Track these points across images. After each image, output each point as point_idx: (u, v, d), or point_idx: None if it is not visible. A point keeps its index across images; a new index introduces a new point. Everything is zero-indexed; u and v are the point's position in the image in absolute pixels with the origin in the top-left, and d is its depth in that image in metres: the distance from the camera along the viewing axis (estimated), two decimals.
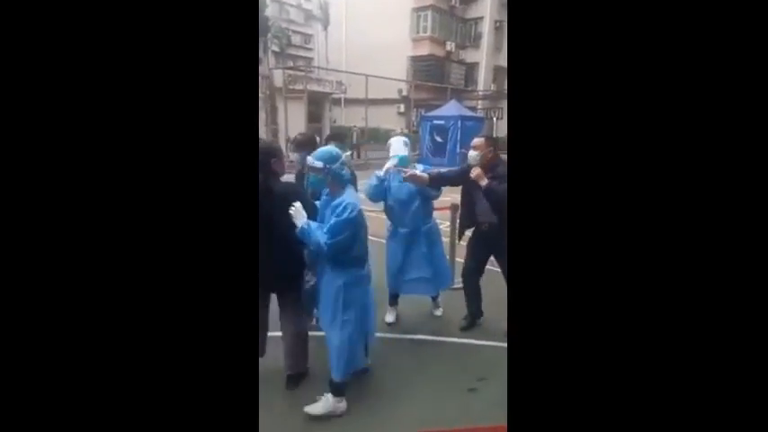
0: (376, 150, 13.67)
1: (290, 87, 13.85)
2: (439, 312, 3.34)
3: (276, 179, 2.22)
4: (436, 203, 3.12)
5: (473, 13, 20.64)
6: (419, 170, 2.84)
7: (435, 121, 14.75)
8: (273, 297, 2.38)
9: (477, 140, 2.80)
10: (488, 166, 2.71)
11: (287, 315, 2.37)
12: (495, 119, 17.71)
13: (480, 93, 20.86)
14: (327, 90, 17.83)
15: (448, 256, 3.45)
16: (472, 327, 3.10)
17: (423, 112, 17.04)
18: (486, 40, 20.53)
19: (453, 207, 3.52)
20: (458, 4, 20.09)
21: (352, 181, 2.07)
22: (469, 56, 21.09)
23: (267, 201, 2.00)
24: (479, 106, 20.47)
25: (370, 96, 14.86)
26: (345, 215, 1.97)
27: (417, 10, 19.49)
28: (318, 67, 17.53)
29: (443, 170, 2.96)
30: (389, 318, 3.22)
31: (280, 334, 2.40)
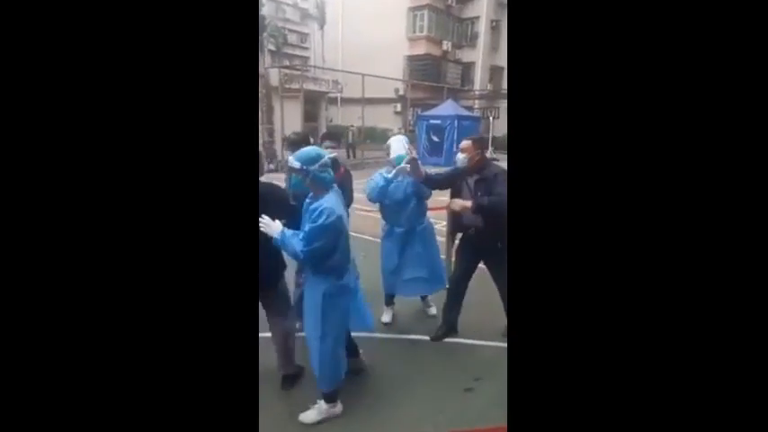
0: (372, 150, 13.67)
1: (287, 86, 13.77)
2: (433, 311, 3.33)
3: None
4: (433, 204, 3.11)
5: (469, 12, 20.66)
6: None
7: (432, 121, 14.77)
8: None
9: (464, 143, 2.73)
10: (476, 168, 2.68)
11: (271, 316, 2.36)
12: (491, 118, 17.71)
13: (477, 92, 20.88)
14: (324, 89, 17.78)
15: (444, 256, 3.45)
16: (445, 337, 2.97)
17: (419, 112, 17.05)
18: (482, 40, 20.56)
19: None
20: (454, 4, 20.10)
21: (349, 180, 2.04)
22: (466, 55, 21.11)
23: None
24: (476, 106, 20.48)
25: (367, 96, 14.82)
26: (321, 221, 1.85)
27: (414, 9, 19.47)
28: (315, 66, 17.48)
29: (432, 172, 2.92)
30: (386, 318, 3.22)
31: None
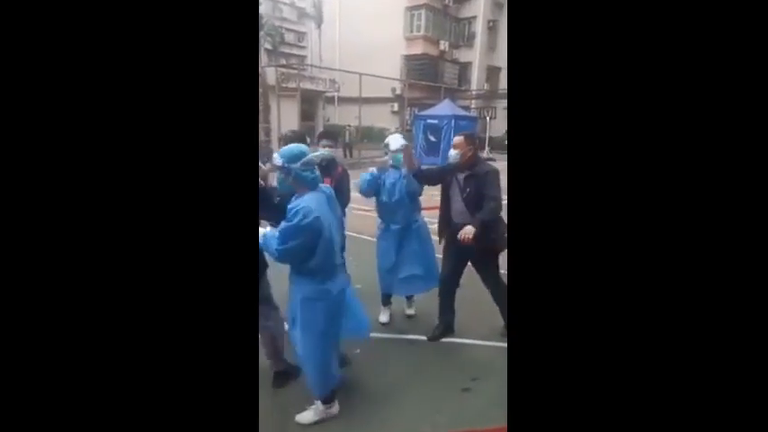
0: (369, 149, 13.66)
1: (283, 85, 13.75)
2: (411, 311, 3.31)
3: None
4: (429, 202, 3.11)
5: (466, 12, 20.69)
6: None
7: (429, 120, 14.76)
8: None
9: (457, 139, 2.73)
10: (467, 164, 2.69)
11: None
12: (488, 118, 17.76)
13: (474, 92, 20.92)
14: (321, 88, 17.76)
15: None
16: (442, 337, 2.95)
17: (416, 111, 17.04)
18: (479, 40, 20.60)
19: None
20: (451, 4, 20.13)
21: (347, 180, 2.01)
22: (463, 55, 21.15)
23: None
24: (473, 105, 20.52)
25: (364, 95, 14.81)
26: (296, 221, 1.79)
27: (411, 9, 19.48)
28: (312, 66, 17.47)
29: (424, 167, 2.92)
30: (383, 318, 3.22)
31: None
